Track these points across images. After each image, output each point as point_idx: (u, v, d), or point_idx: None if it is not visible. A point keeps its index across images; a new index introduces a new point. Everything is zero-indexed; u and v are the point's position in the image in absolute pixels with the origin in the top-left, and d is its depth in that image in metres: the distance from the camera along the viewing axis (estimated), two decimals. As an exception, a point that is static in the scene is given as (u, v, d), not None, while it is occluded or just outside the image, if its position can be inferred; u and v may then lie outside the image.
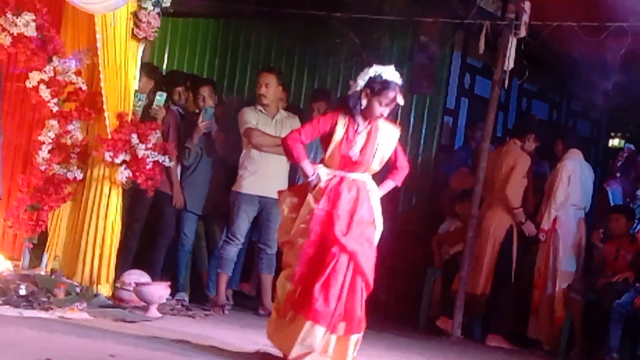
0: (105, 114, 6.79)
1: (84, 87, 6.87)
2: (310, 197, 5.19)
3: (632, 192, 8.51)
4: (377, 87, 5.18)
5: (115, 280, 6.89)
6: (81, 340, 5.14)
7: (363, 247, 5.14)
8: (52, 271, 6.77)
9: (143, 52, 7.02)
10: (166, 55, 10.52)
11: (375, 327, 6.77)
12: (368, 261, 5.16)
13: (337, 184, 5.20)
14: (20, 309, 5.78)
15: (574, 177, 7.90)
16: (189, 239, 7.78)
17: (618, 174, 8.66)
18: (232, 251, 7.46)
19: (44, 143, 6.80)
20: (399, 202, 8.95)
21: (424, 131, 9.13)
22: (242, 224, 7.45)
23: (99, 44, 6.67)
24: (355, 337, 5.16)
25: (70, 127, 6.82)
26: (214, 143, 7.72)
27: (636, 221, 8.04)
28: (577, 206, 7.95)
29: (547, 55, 8.64)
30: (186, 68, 10.09)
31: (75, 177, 6.88)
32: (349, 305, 5.09)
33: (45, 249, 7.02)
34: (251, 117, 7.49)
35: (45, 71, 6.73)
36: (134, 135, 6.74)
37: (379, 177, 5.44)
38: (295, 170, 7.87)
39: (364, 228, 5.18)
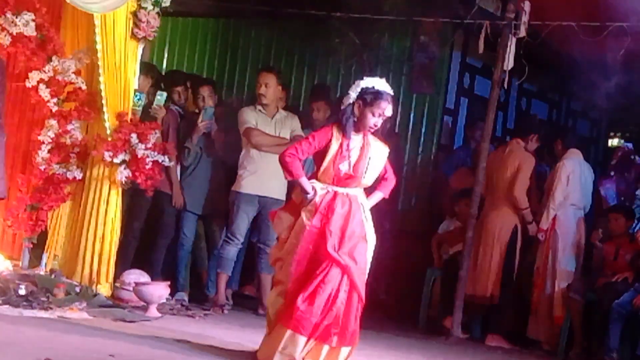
0: (105, 114, 6.79)
1: (84, 87, 6.87)
2: (303, 214, 5.20)
3: (627, 191, 8.49)
4: (370, 97, 5.19)
5: (114, 280, 6.90)
6: (81, 339, 5.14)
7: (356, 262, 5.15)
8: (52, 271, 6.77)
9: (143, 51, 7.02)
10: (166, 55, 10.53)
11: (375, 327, 6.79)
12: (360, 276, 5.17)
13: (331, 199, 5.21)
14: (19, 309, 5.78)
15: (573, 177, 7.90)
16: (188, 238, 7.78)
17: (612, 173, 8.65)
18: (232, 251, 7.46)
19: (43, 143, 6.80)
20: (398, 202, 8.96)
21: (423, 131, 9.13)
22: (242, 224, 7.45)
23: (98, 44, 6.67)
24: (346, 350, 5.16)
25: (69, 127, 6.82)
26: (214, 143, 7.72)
27: (636, 221, 8.04)
28: (577, 206, 7.95)
29: (547, 55, 8.64)
30: (186, 68, 10.09)
31: (75, 177, 6.88)
32: (345, 318, 5.10)
33: (45, 249, 7.02)
34: (250, 117, 7.49)
35: (44, 71, 6.74)
36: (134, 135, 6.74)
37: (367, 190, 5.44)
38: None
39: (356, 243, 5.18)
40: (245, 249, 7.80)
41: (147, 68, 7.50)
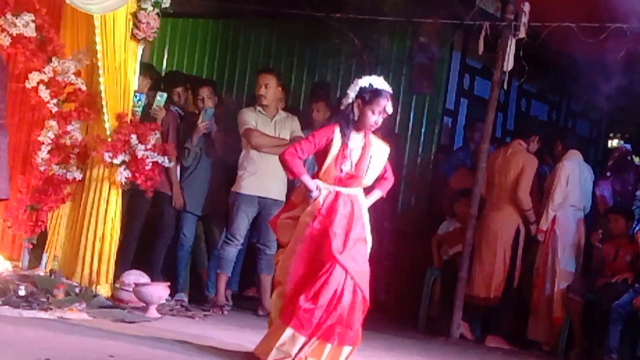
0: (105, 115, 6.79)
1: (84, 88, 6.87)
2: (306, 215, 5.20)
3: (623, 192, 8.49)
4: (368, 96, 5.20)
5: (114, 281, 6.89)
6: (80, 340, 5.14)
7: (359, 265, 5.15)
8: (52, 271, 6.77)
9: (142, 52, 7.02)
10: (166, 56, 10.53)
11: (375, 327, 6.78)
12: (363, 277, 5.17)
13: (333, 200, 5.20)
14: (19, 310, 5.78)
15: (572, 177, 7.90)
16: (188, 239, 7.78)
17: (608, 174, 8.65)
18: (232, 252, 7.47)
19: (43, 143, 6.80)
20: (398, 202, 8.96)
21: (423, 131, 9.14)
22: (242, 225, 7.45)
23: (98, 45, 6.68)
24: (347, 349, 5.15)
25: (69, 128, 6.82)
26: (214, 143, 7.72)
27: (635, 222, 8.04)
28: (576, 207, 7.96)
29: (547, 56, 8.65)
30: (186, 68, 10.10)
31: (75, 178, 6.88)
32: (348, 318, 5.09)
33: (45, 250, 7.02)
34: (250, 118, 7.50)
35: (44, 72, 6.74)
36: (134, 136, 6.74)
37: (366, 189, 5.44)
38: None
39: (359, 245, 5.19)
40: (245, 250, 7.80)
41: (146, 69, 7.51)
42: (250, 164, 7.44)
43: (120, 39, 6.74)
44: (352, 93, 5.24)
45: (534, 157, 8.05)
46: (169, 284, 6.86)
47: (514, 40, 7.59)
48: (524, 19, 7.57)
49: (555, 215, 7.88)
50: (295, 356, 5.03)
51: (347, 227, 5.16)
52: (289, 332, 5.04)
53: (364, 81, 5.24)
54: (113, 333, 5.55)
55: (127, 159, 6.76)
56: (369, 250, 5.27)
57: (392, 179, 5.51)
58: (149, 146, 6.78)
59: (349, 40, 8.76)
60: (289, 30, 9.58)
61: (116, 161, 6.73)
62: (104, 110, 6.78)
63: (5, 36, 6.56)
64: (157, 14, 6.85)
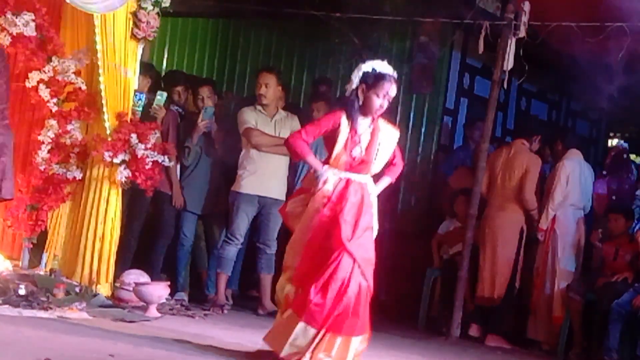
0: (105, 114, 6.79)
1: (84, 87, 6.87)
2: (316, 201, 5.17)
3: (620, 190, 8.49)
4: (372, 80, 5.19)
5: (114, 280, 6.89)
6: (80, 340, 5.14)
7: (366, 253, 5.15)
8: (52, 271, 6.76)
9: (142, 52, 7.02)
10: (166, 55, 10.53)
11: (375, 327, 6.75)
12: (368, 266, 5.16)
13: (344, 187, 5.18)
14: (19, 309, 5.77)
15: (572, 177, 7.91)
16: (188, 238, 7.78)
17: (605, 172, 8.65)
18: (232, 251, 7.47)
19: (43, 143, 6.80)
20: (398, 202, 8.96)
21: (423, 131, 9.13)
22: (242, 224, 7.45)
23: (98, 44, 6.68)
24: (357, 339, 5.13)
25: (69, 127, 6.82)
26: (214, 143, 7.73)
27: (635, 221, 8.04)
28: (576, 206, 7.96)
29: (547, 56, 8.65)
30: (186, 68, 10.10)
31: (75, 177, 6.88)
32: (355, 308, 5.08)
33: (45, 249, 7.02)
34: (250, 117, 7.50)
35: (44, 71, 6.74)
36: (134, 135, 6.74)
37: (375, 176, 5.42)
38: (294, 170, 7.89)
39: (367, 234, 5.18)
40: (245, 250, 7.80)
41: (146, 68, 7.51)
42: (250, 163, 7.44)
43: (120, 38, 6.74)
44: (355, 78, 5.22)
45: (537, 157, 8.06)
46: (169, 283, 6.86)
47: (514, 40, 7.60)
48: (524, 18, 7.57)
49: (555, 215, 7.89)
50: (307, 351, 5.00)
51: (357, 215, 5.14)
52: (301, 326, 5.01)
53: (367, 66, 5.23)
54: (113, 332, 5.55)
55: (127, 158, 6.76)
56: (374, 236, 5.25)
57: (401, 165, 5.47)
58: (149, 145, 6.78)
59: (349, 39, 8.76)
60: (289, 29, 9.58)
61: (116, 160, 6.73)
62: (104, 109, 6.78)
63: (5, 35, 6.55)
64: (157, 13, 6.85)
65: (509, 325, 7.98)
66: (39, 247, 7.03)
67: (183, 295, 7.54)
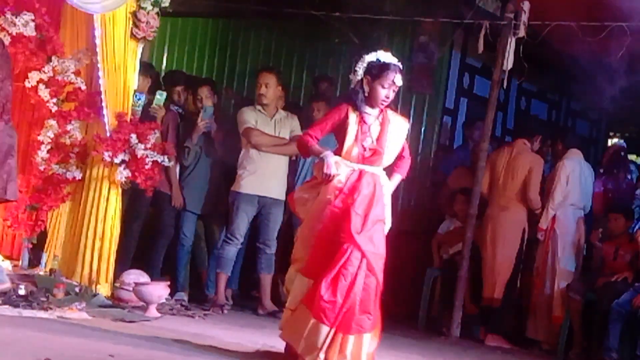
0: (105, 114, 6.79)
1: (83, 87, 6.87)
2: (327, 192, 5.13)
3: (616, 189, 8.49)
4: (376, 70, 5.18)
5: (114, 280, 6.89)
6: (80, 340, 5.13)
7: (375, 246, 5.11)
8: (51, 271, 6.76)
9: (142, 51, 7.02)
10: (165, 55, 10.53)
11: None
12: (378, 260, 5.12)
13: (357, 179, 5.15)
14: (19, 309, 5.77)
15: (572, 177, 7.91)
16: (188, 238, 7.77)
17: (601, 171, 8.66)
18: (232, 251, 7.46)
19: (43, 143, 6.79)
20: (398, 202, 8.95)
21: (423, 131, 9.13)
22: (242, 224, 7.45)
23: (97, 44, 6.67)
24: (367, 336, 5.10)
25: (69, 127, 6.82)
26: (213, 143, 7.72)
27: (635, 221, 8.04)
28: (576, 206, 7.96)
29: (547, 55, 8.65)
30: (185, 68, 10.09)
31: (75, 177, 6.88)
32: (364, 304, 5.05)
33: (45, 249, 7.02)
34: (250, 117, 7.50)
35: (44, 71, 6.73)
36: (133, 135, 6.74)
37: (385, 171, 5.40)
38: (294, 170, 7.90)
39: (377, 226, 5.14)
40: (245, 250, 7.79)
41: (145, 68, 7.51)
42: (250, 163, 7.44)
43: (120, 38, 6.74)
44: (360, 70, 5.21)
45: (539, 157, 8.08)
46: (168, 283, 6.86)
47: (513, 39, 7.60)
48: (524, 18, 7.57)
49: (555, 214, 7.89)
50: (320, 350, 4.97)
51: (367, 207, 5.11)
52: (312, 322, 4.99)
53: (371, 56, 5.22)
54: (113, 332, 5.55)
55: (127, 158, 6.76)
56: (386, 230, 5.22)
57: (410, 159, 5.45)
58: (148, 145, 6.78)
59: (349, 39, 8.76)
60: (289, 29, 9.58)
61: (116, 160, 6.73)
62: (104, 109, 6.78)
63: (4, 35, 6.54)
64: (157, 13, 6.85)
65: (508, 325, 7.98)
66: (38, 247, 7.03)
67: (183, 295, 7.54)
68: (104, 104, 6.77)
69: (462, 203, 8.14)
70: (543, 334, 7.95)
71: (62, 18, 7.06)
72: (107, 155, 6.72)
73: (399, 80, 5.19)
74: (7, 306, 5.77)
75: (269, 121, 7.54)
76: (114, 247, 6.90)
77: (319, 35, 9.16)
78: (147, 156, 6.76)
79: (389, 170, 5.38)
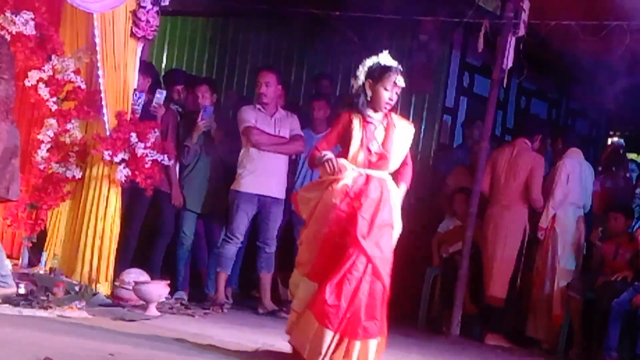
0: (104, 113, 6.78)
1: (83, 86, 6.87)
2: (332, 195, 5.11)
3: (614, 188, 8.49)
4: (378, 73, 5.18)
5: (114, 279, 6.89)
6: (80, 339, 5.13)
7: (382, 251, 5.08)
8: (51, 270, 6.77)
9: (142, 50, 7.01)
10: (165, 54, 10.52)
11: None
12: (385, 265, 5.10)
13: (364, 183, 5.13)
14: (19, 308, 5.77)
15: (572, 176, 7.92)
16: (188, 237, 7.77)
17: (600, 169, 8.65)
18: (231, 250, 7.46)
19: (42, 142, 6.79)
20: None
21: (423, 130, 9.12)
22: (241, 223, 7.45)
23: (97, 43, 6.67)
24: (374, 342, 5.07)
25: (69, 126, 6.82)
26: (213, 142, 7.72)
27: (635, 220, 8.04)
28: (576, 205, 7.97)
29: (546, 54, 8.65)
30: (185, 67, 10.09)
31: (74, 176, 6.88)
32: (369, 309, 5.03)
33: (45, 248, 7.02)
34: (250, 116, 7.49)
35: (44, 70, 6.73)
36: (133, 134, 6.74)
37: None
38: (294, 169, 7.90)
39: (384, 231, 5.12)
40: (245, 249, 7.79)
41: (145, 68, 7.51)
42: (249, 162, 7.44)
43: (120, 37, 6.74)
44: (361, 75, 5.20)
45: (540, 156, 8.08)
46: (168, 282, 6.86)
47: (513, 38, 7.59)
48: (524, 17, 7.57)
49: (555, 213, 7.89)
50: (325, 355, 4.95)
51: (374, 212, 5.08)
52: (316, 327, 4.97)
53: (371, 60, 5.23)
54: (113, 331, 5.55)
55: (126, 157, 6.76)
56: (395, 237, 5.19)
57: (411, 166, 5.42)
58: (148, 144, 6.78)
59: (348, 38, 8.75)
60: (289, 29, 9.57)
61: (116, 159, 6.73)
62: (104, 108, 6.77)
63: (4, 34, 6.54)
64: (157, 12, 6.85)
65: (508, 324, 7.98)
66: (38, 246, 7.03)
67: (183, 294, 7.54)
68: (103, 103, 6.78)
69: (461, 202, 8.14)
70: (543, 333, 7.95)
71: (62, 17, 7.06)
72: (107, 154, 6.72)
73: (400, 81, 5.19)
74: (7, 305, 5.77)
75: (269, 120, 7.54)
76: (114, 246, 6.90)
77: (319, 35, 9.16)
78: (147, 155, 6.77)
79: (393, 179, 5.35)
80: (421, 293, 8.28)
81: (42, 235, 7.04)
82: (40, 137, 6.79)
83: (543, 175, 8.01)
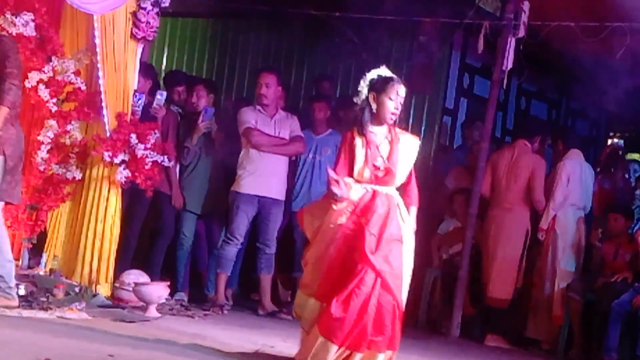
0: (104, 114, 6.79)
1: (83, 87, 6.87)
2: (338, 213, 5.06)
3: (613, 189, 8.49)
4: (381, 84, 5.17)
5: (114, 280, 6.89)
6: (80, 340, 5.14)
7: (391, 266, 5.02)
8: (51, 271, 6.77)
9: (142, 52, 7.02)
10: (165, 55, 10.52)
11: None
12: (396, 279, 5.04)
13: (370, 199, 5.09)
14: (19, 309, 5.77)
15: (573, 177, 7.92)
16: (188, 238, 7.77)
17: (598, 170, 8.65)
18: (231, 251, 7.47)
19: (42, 143, 6.79)
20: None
21: (423, 131, 9.12)
22: (241, 224, 7.45)
23: (97, 44, 6.67)
24: (382, 356, 5.02)
25: (69, 127, 6.82)
26: (214, 143, 7.72)
27: (635, 221, 8.04)
28: (576, 206, 7.97)
29: (546, 55, 8.65)
30: (185, 68, 10.10)
31: (74, 177, 6.88)
32: (378, 324, 4.97)
33: (45, 249, 7.02)
34: (250, 117, 7.50)
35: (44, 71, 6.73)
36: (133, 135, 6.74)
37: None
38: (294, 170, 7.89)
39: (392, 245, 5.06)
40: (245, 251, 7.79)
41: (145, 69, 7.51)
42: (249, 163, 7.44)
43: (120, 38, 6.74)
44: (364, 89, 5.19)
45: (541, 158, 8.09)
46: (168, 283, 6.86)
47: (513, 39, 7.60)
48: (524, 18, 7.58)
49: (555, 215, 7.89)
50: None
51: (382, 227, 5.03)
52: (320, 340, 4.92)
53: (372, 74, 5.22)
54: (113, 333, 5.55)
55: (126, 158, 6.76)
56: (407, 251, 5.12)
57: (415, 184, 5.32)
58: (148, 145, 6.78)
59: (348, 39, 8.76)
60: (289, 29, 9.57)
61: (116, 160, 6.73)
62: (104, 109, 6.78)
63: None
64: (157, 13, 6.85)
65: (508, 325, 7.98)
66: (38, 247, 7.03)
67: (183, 296, 7.54)
68: (103, 104, 6.78)
69: (461, 203, 8.14)
70: (543, 334, 7.95)
71: (62, 18, 7.06)
72: (107, 156, 6.72)
73: (402, 91, 5.20)
74: (7, 306, 5.77)
75: (269, 121, 7.54)
76: (114, 247, 6.90)
77: (319, 35, 9.16)
78: (147, 156, 6.77)
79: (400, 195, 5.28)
80: (421, 294, 8.28)
81: (42, 237, 7.04)
82: (40, 138, 6.79)
83: (544, 176, 8.02)
